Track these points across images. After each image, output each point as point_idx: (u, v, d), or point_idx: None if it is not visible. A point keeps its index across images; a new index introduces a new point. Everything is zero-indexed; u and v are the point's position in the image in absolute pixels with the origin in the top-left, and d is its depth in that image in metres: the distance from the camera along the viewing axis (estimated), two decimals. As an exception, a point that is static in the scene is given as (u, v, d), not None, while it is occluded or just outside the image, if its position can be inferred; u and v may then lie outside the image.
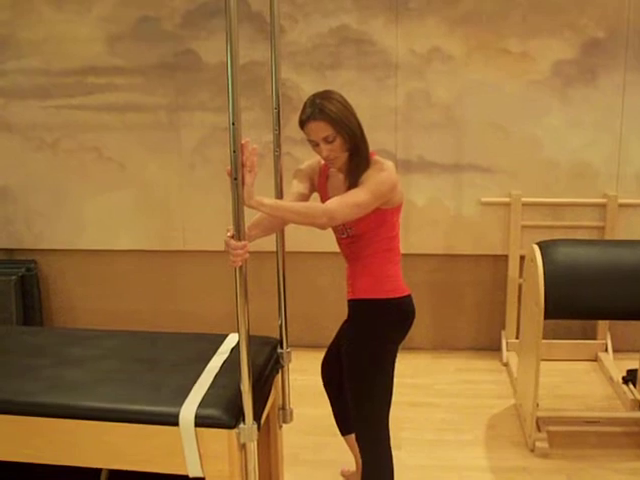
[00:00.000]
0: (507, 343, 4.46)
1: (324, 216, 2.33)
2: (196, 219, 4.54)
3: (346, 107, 2.47)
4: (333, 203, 2.37)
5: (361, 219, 2.47)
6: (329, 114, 2.42)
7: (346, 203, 2.37)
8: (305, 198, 2.64)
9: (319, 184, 2.69)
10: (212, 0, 4.23)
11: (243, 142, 2.06)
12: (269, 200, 2.26)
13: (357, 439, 2.70)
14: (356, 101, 2.54)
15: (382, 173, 2.46)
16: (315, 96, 2.47)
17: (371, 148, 2.55)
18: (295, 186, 2.66)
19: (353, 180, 2.47)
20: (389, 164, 2.51)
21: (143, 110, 4.43)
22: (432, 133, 4.31)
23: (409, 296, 2.64)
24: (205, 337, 2.81)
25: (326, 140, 2.44)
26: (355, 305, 2.64)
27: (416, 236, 4.42)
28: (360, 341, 2.60)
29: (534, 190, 4.32)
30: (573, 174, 4.30)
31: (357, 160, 2.49)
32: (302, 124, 2.47)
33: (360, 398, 2.60)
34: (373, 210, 2.45)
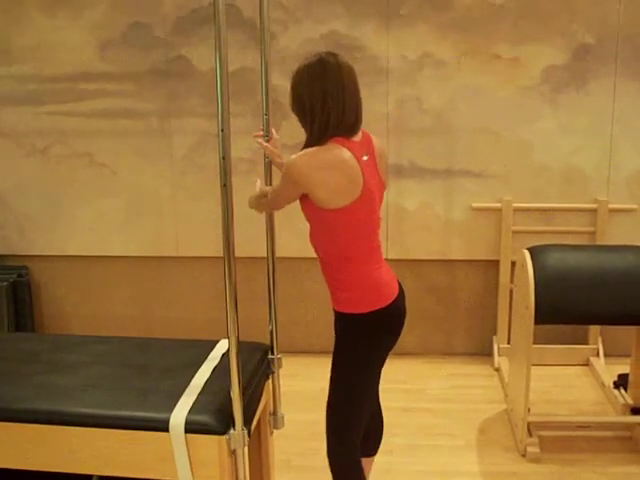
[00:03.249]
0: (498, 348, 4.47)
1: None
2: (188, 225, 4.54)
3: (314, 78, 2.32)
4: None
5: (304, 206, 2.40)
6: (294, 75, 2.38)
7: (272, 191, 2.50)
8: None
9: None
10: (203, 7, 4.24)
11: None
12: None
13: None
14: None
15: (295, 160, 2.29)
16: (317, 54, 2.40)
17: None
18: None
19: None
20: (326, 156, 2.29)
21: (134, 116, 4.43)
22: (423, 139, 4.32)
23: (373, 313, 2.41)
24: (196, 343, 2.80)
25: None
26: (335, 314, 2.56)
27: (407, 241, 4.42)
28: (336, 352, 2.52)
29: (525, 195, 4.33)
30: (564, 179, 4.31)
31: (307, 137, 2.37)
32: None
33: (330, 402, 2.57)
34: (308, 203, 2.36)
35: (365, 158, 2.38)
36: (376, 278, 2.45)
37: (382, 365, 2.56)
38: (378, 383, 2.67)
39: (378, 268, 2.47)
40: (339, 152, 2.31)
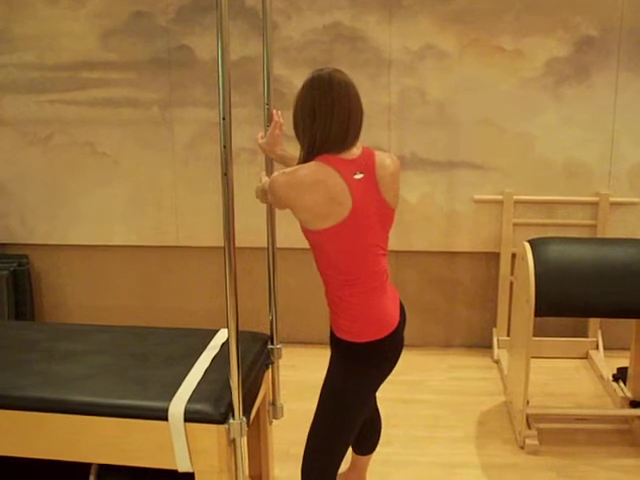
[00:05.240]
0: (498, 340, 4.47)
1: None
2: (189, 215, 4.54)
3: (306, 94, 2.29)
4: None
5: (301, 228, 2.32)
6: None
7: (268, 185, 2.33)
8: None
9: None
10: (206, -4, 4.23)
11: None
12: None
13: None
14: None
15: (275, 178, 2.26)
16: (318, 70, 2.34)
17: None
18: None
19: None
20: (304, 174, 2.22)
21: (136, 105, 4.43)
22: (425, 130, 4.31)
23: (371, 343, 2.35)
24: (196, 332, 2.81)
25: None
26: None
27: (408, 233, 4.42)
28: (331, 376, 2.49)
29: (527, 188, 4.33)
30: (566, 172, 4.31)
31: (300, 153, 2.34)
32: None
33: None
34: (301, 225, 2.31)
35: (358, 177, 2.27)
36: (378, 308, 2.37)
37: (379, 387, 2.52)
38: (375, 399, 2.68)
39: (382, 296, 2.39)
40: (319, 170, 2.24)
